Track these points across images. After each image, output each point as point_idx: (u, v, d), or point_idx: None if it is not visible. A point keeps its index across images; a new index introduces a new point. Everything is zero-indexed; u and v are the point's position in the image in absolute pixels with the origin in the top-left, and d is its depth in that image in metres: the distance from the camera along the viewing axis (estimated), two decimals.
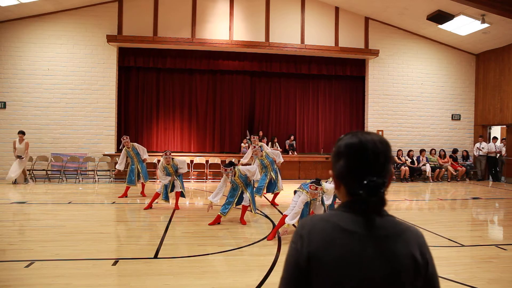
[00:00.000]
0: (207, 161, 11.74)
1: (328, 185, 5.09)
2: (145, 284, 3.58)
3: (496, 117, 12.76)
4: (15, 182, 10.21)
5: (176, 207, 7.19)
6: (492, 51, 12.87)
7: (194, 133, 12.57)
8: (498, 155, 12.54)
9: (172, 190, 7.22)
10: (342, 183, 1.11)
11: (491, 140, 12.95)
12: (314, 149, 13.15)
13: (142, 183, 8.69)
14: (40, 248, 4.62)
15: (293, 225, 5.08)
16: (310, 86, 13.25)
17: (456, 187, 11.25)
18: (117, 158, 11.18)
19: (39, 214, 6.69)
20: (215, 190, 6.15)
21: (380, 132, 12.94)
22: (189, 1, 11.83)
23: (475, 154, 12.91)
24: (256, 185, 7.51)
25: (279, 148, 11.89)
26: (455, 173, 12.49)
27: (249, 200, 6.09)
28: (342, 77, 13.27)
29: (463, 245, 5.08)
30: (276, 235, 5.27)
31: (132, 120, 12.28)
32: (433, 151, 13.02)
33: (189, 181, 11.32)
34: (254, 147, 7.76)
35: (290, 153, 12.26)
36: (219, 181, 6.31)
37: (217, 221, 6.04)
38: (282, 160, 8.03)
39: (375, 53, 12.66)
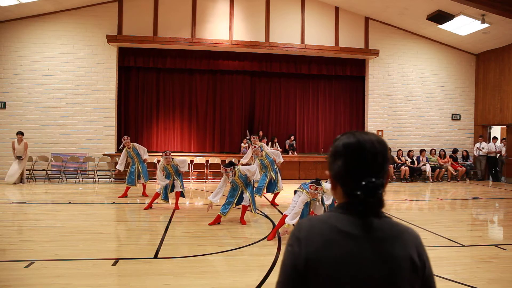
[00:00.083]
0: (207, 161, 11.74)
1: (328, 185, 5.09)
2: (145, 284, 3.58)
3: (496, 117, 12.76)
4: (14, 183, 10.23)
5: (176, 207, 7.19)
6: (492, 51, 12.87)
7: (194, 133, 12.57)
8: (498, 155, 12.54)
9: (172, 190, 7.22)
10: (339, 184, 1.09)
11: (491, 140, 12.95)
12: (314, 149, 13.15)
13: (143, 183, 8.69)
14: (40, 248, 4.62)
15: (293, 225, 5.08)
16: (310, 86, 13.25)
17: (456, 187, 11.25)
18: (117, 158, 11.19)
19: (39, 214, 6.69)
20: (215, 190, 6.15)
21: (380, 132, 12.94)
22: (189, 1, 11.83)
23: (475, 154, 12.91)
24: (256, 185, 7.51)
25: (279, 148, 11.89)
26: (455, 173, 12.49)
27: (249, 200, 6.09)
28: (342, 77, 13.27)
29: (463, 245, 5.08)
30: (276, 235, 5.27)
31: (132, 120, 12.28)
32: (433, 151, 13.02)
33: (189, 181, 11.32)
34: (254, 147, 7.76)
35: (290, 153, 12.26)
36: (219, 181, 6.31)
37: (217, 221, 6.04)
38: (282, 160, 8.03)
39: (375, 53, 12.66)
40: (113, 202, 7.89)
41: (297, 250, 1.02)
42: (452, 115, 13.51)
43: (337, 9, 12.58)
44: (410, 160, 12.53)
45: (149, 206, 7.20)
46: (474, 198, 9.22)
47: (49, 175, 11.02)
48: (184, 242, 5.10)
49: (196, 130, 12.58)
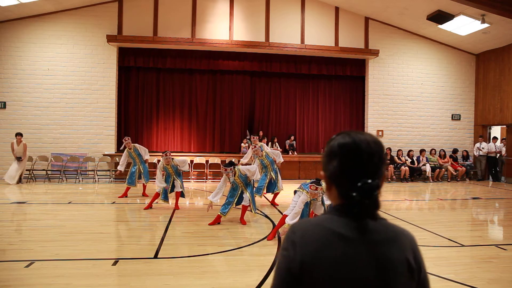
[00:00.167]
0: (207, 161, 11.74)
1: None
2: (145, 284, 3.58)
3: (496, 117, 12.76)
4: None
5: (176, 207, 7.19)
6: (492, 51, 12.87)
7: (194, 133, 12.57)
8: (498, 155, 12.54)
9: (172, 190, 7.22)
10: (334, 185, 1.08)
11: (491, 140, 12.95)
12: (314, 149, 13.15)
13: (143, 183, 8.69)
14: (40, 248, 4.62)
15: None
16: (310, 86, 13.25)
17: (456, 187, 11.25)
18: (117, 158, 11.22)
19: (39, 214, 6.69)
20: (215, 190, 6.15)
21: (380, 132, 12.95)
22: (189, 1, 11.83)
23: (475, 154, 12.91)
24: (256, 185, 7.52)
25: (279, 148, 11.89)
26: (455, 173, 12.49)
27: (249, 200, 6.09)
28: (342, 77, 13.27)
29: (463, 245, 5.08)
30: (276, 235, 5.27)
31: (132, 120, 12.28)
32: (433, 151, 13.02)
33: (189, 181, 11.32)
34: (254, 147, 7.77)
35: (290, 153, 12.26)
36: (219, 181, 6.31)
37: (217, 221, 6.04)
38: (282, 160, 8.03)
39: (375, 53, 12.66)
40: (113, 202, 7.89)
41: (292, 254, 1.00)
42: (452, 115, 13.51)
43: (337, 9, 12.58)
44: (410, 160, 12.53)
45: (149, 206, 7.21)
46: (474, 198, 9.22)
47: (49, 175, 11.02)
48: (184, 242, 5.10)
49: (196, 130, 12.58)
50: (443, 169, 12.55)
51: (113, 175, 11.17)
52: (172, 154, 7.30)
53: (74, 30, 11.43)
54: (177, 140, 12.49)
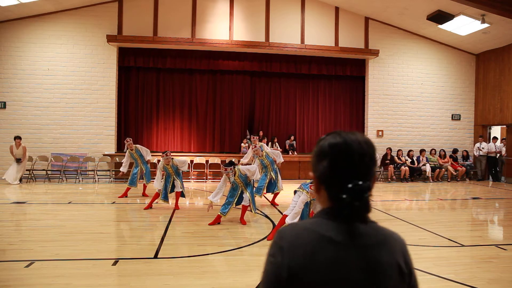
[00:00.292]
0: (207, 161, 11.74)
1: None
2: (145, 284, 3.58)
3: (496, 117, 12.76)
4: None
5: (176, 207, 7.19)
6: (492, 51, 12.86)
7: (194, 133, 12.57)
8: (498, 155, 12.54)
9: (172, 190, 7.22)
10: (323, 186, 1.04)
11: (491, 140, 12.95)
12: None
13: (143, 184, 8.70)
14: (40, 248, 4.62)
15: None
16: (310, 86, 13.25)
17: (456, 187, 11.25)
18: (117, 158, 11.22)
19: (39, 214, 6.69)
20: (215, 190, 6.15)
21: (380, 132, 12.94)
22: (189, 1, 11.83)
23: (475, 154, 12.91)
24: (256, 185, 7.52)
25: (279, 148, 11.89)
26: (455, 173, 12.49)
27: (249, 200, 6.09)
28: (342, 77, 13.27)
29: (463, 245, 5.08)
30: None
31: (132, 120, 12.28)
32: (433, 151, 13.02)
33: (189, 181, 11.32)
34: (255, 146, 7.77)
35: (290, 153, 12.26)
36: (219, 181, 6.31)
37: (217, 221, 6.04)
38: (282, 160, 8.03)
39: (375, 53, 12.66)
40: (113, 202, 7.89)
41: (279, 260, 0.97)
42: (452, 115, 13.51)
43: (337, 9, 12.57)
44: (410, 160, 12.53)
45: (149, 206, 7.21)
46: (474, 198, 9.22)
47: (49, 175, 11.02)
48: (184, 242, 5.10)
49: (196, 130, 12.58)
50: (443, 169, 12.55)
51: (113, 175, 11.17)
52: (172, 154, 7.31)
53: (74, 30, 11.43)
54: (177, 140, 12.49)
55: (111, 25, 11.54)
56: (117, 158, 11.29)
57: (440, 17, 11.03)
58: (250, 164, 7.94)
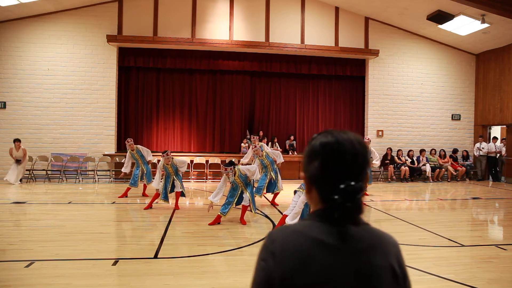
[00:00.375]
0: (207, 161, 11.74)
1: None
2: (145, 284, 3.58)
3: (496, 117, 12.76)
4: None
5: (176, 207, 7.19)
6: (492, 51, 12.86)
7: (194, 133, 12.57)
8: (498, 155, 12.54)
9: (172, 190, 7.22)
10: (314, 187, 1.01)
11: (491, 140, 12.95)
12: None
13: (144, 184, 8.70)
14: (40, 248, 4.62)
15: None
16: (310, 86, 13.25)
17: (456, 187, 11.24)
18: (117, 158, 11.23)
19: (39, 214, 6.69)
20: (215, 190, 6.15)
21: (380, 132, 12.94)
22: (189, 1, 11.83)
23: (475, 154, 12.91)
24: (256, 185, 7.52)
25: (279, 148, 11.89)
26: (455, 173, 12.49)
27: (249, 200, 6.09)
28: (342, 77, 13.27)
29: (463, 245, 5.08)
30: None
31: (132, 120, 12.28)
32: (433, 151, 13.02)
33: (189, 181, 11.32)
34: (255, 146, 7.77)
35: (290, 153, 12.26)
36: (219, 181, 6.31)
37: (217, 221, 6.04)
38: (282, 161, 8.03)
39: (375, 53, 12.66)
40: (113, 202, 7.89)
41: (271, 266, 0.93)
42: (452, 115, 13.51)
43: (337, 9, 12.57)
44: (410, 160, 12.53)
45: (149, 206, 7.21)
46: (474, 198, 9.22)
47: (49, 175, 11.02)
48: (184, 242, 5.10)
49: (196, 130, 12.58)
50: (443, 169, 12.55)
51: (113, 175, 11.18)
52: (172, 154, 7.31)
53: (74, 30, 11.43)
54: (177, 140, 12.48)
55: (111, 25, 11.54)
56: (117, 158, 11.29)
57: (440, 17, 11.02)
58: (250, 164, 7.94)
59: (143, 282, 3.63)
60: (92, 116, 11.52)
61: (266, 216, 6.71)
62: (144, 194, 8.70)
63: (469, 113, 13.65)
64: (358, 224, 0.97)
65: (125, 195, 8.39)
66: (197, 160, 11.71)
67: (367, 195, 9.14)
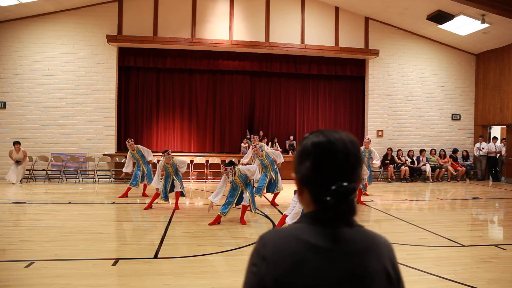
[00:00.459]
0: (207, 161, 11.74)
1: None
2: (145, 284, 3.58)
3: (496, 117, 12.76)
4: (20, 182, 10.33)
5: (176, 207, 7.19)
6: (492, 51, 12.86)
7: (194, 133, 12.57)
8: (498, 155, 12.55)
9: (171, 190, 7.22)
10: (306, 188, 0.98)
11: (491, 140, 12.95)
12: None
13: (144, 184, 8.70)
14: (40, 248, 4.62)
15: None
16: (310, 86, 13.25)
17: (456, 187, 11.24)
18: (117, 158, 11.23)
19: (39, 214, 6.69)
20: (215, 190, 6.15)
21: (380, 132, 12.94)
22: (189, 1, 11.83)
23: (475, 154, 12.91)
24: (256, 185, 7.52)
25: (279, 148, 11.89)
26: (455, 173, 12.49)
27: (249, 200, 6.09)
28: (342, 77, 13.27)
29: (463, 245, 5.08)
30: None
31: (132, 120, 12.28)
32: (433, 151, 13.02)
33: (189, 181, 11.32)
34: (255, 146, 7.77)
35: (290, 153, 12.25)
36: (219, 181, 6.31)
37: (217, 221, 6.04)
38: (282, 161, 8.03)
39: (375, 53, 12.66)
40: (113, 202, 7.89)
41: (263, 271, 0.90)
42: (452, 115, 13.51)
43: (337, 9, 12.57)
44: (410, 160, 12.53)
45: (149, 206, 7.21)
46: (474, 198, 9.22)
47: (49, 175, 11.01)
48: (184, 242, 5.10)
49: (196, 130, 12.58)
50: (443, 169, 12.55)
51: (113, 175, 11.18)
52: (172, 154, 7.31)
53: (74, 30, 11.43)
54: (177, 140, 12.48)
55: (111, 25, 11.54)
56: (117, 158, 11.30)
57: (440, 17, 11.02)
58: (250, 164, 7.94)
59: (143, 282, 3.63)
60: (92, 116, 11.52)
61: (266, 216, 6.71)
62: (144, 194, 8.71)
63: (469, 113, 13.65)
64: (351, 225, 0.95)
65: (125, 195, 8.39)
66: (197, 160, 11.71)
67: (367, 195, 9.14)
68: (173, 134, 12.48)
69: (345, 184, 0.91)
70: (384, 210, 7.46)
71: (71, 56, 11.43)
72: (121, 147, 11.79)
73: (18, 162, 10.23)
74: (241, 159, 8.85)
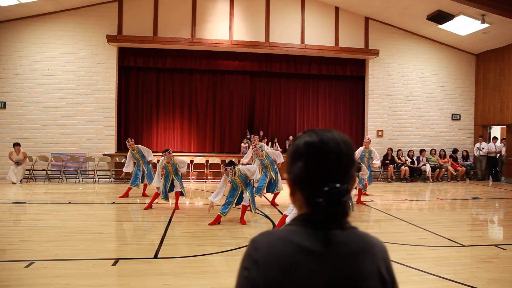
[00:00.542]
0: (207, 161, 11.74)
1: None
2: (145, 284, 3.58)
3: (496, 117, 12.76)
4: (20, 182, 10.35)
5: (176, 207, 7.19)
6: (492, 51, 12.86)
7: (194, 133, 12.57)
8: (498, 155, 12.55)
9: (171, 190, 7.22)
10: (298, 189, 0.97)
11: (491, 140, 12.95)
12: None
13: (144, 184, 8.70)
14: (40, 248, 4.62)
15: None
16: (310, 86, 13.25)
17: (456, 187, 11.25)
18: (117, 158, 11.23)
19: (39, 214, 6.69)
20: (215, 190, 6.15)
21: (380, 132, 12.94)
22: (189, 1, 11.83)
23: (475, 154, 12.91)
24: (256, 185, 7.52)
25: (279, 148, 11.89)
26: (455, 173, 12.49)
27: (249, 200, 6.09)
28: (342, 77, 13.27)
29: (463, 245, 5.08)
30: None
31: (132, 120, 12.28)
32: (433, 151, 13.02)
33: (189, 181, 11.32)
34: (255, 146, 7.77)
35: None
36: (219, 181, 6.31)
37: (217, 221, 6.04)
38: (282, 161, 8.02)
39: (375, 53, 12.66)
40: (113, 202, 7.89)
41: (254, 275, 0.88)
42: (452, 115, 13.51)
43: (337, 9, 12.57)
44: (410, 160, 12.53)
45: (149, 206, 7.21)
46: (474, 198, 9.22)
47: (49, 175, 11.02)
48: (184, 242, 5.10)
49: (196, 130, 12.58)
50: (443, 169, 12.55)
51: (113, 175, 11.18)
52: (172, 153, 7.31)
53: (74, 30, 11.43)
54: (177, 140, 12.49)
55: (111, 25, 11.54)
56: (117, 158, 11.30)
57: (440, 17, 11.02)
58: (250, 164, 7.94)
59: (143, 282, 3.63)
60: (92, 116, 11.52)
61: (266, 216, 6.71)
62: (144, 194, 8.71)
63: (469, 113, 13.65)
64: (344, 228, 0.94)
65: (126, 195, 8.39)
66: (197, 160, 11.71)
67: (367, 195, 9.15)
68: (173, 134, 12.48)
69: (337, 185, 0.90)
70: (384, 210, 7.46)
71: (71, 56, 11.43)
72: (121, 147, 11.79)
73: (18, 163, 10.24)
74: (241, 159, 8.85)
